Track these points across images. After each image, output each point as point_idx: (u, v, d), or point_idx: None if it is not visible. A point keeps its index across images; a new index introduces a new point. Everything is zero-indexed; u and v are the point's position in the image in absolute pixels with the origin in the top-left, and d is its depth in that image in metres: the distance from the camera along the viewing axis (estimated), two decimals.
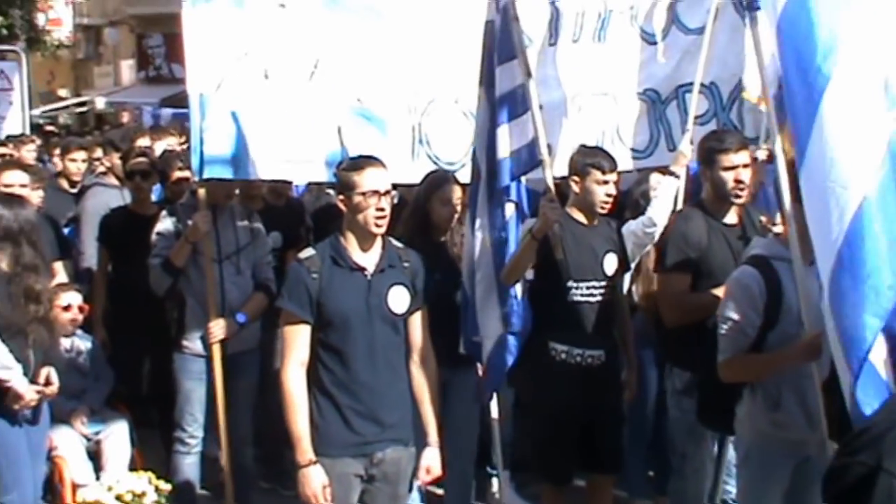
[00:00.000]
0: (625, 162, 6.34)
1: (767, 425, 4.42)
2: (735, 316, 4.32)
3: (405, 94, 6.20)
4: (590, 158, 5.45)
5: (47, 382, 5.23)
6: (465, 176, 5.84)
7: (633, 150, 6.37)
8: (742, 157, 5.26)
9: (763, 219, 5.60)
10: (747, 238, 5.13)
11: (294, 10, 5.94)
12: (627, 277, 6.02)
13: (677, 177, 5.93)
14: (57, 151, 10.87)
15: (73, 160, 9.12)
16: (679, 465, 5.53)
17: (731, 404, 4.56)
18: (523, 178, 5.66)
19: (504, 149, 5.36)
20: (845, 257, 3.48)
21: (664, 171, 6.08)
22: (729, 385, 4.48)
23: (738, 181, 5.21)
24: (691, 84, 6.18)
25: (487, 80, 5.42)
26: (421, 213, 5.73)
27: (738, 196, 5.26)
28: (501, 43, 5.35)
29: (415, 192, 5.89)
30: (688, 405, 5.19)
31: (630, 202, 6.35)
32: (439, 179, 5.81)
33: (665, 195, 5.82)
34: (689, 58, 6.18)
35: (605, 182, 5.38)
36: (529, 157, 5.37)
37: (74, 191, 8.80)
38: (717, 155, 5.24)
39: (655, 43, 6.35)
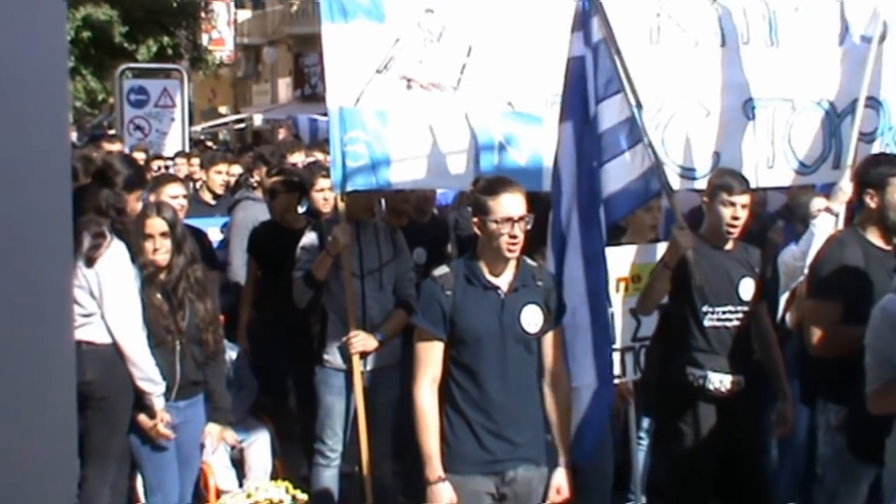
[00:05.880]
0: (786, 177, 6.16)
1: None
2: (881, 345, 4.18)
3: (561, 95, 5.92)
4: (718, 179, 5.34)
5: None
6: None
7: (801, 163, 6.14)
8: None
9: None
10: None
11: (441, 15, 5.87)
12: (782, 304, 5.88)
13: (835, 214, 5.72)
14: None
15: (219, 172, 9.41)
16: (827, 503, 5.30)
17: (884, 437, 4.38)
18: None
19: (615, 183, 5.14)
20: None
21: (827, 198, 5.90)
22: (883, 418, 4.31)
23: None
24: (873, 98, 5.94)
25: (574, 115, 5.13)
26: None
27: None
28: (600, 79, 5.12)
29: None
30: (842, 442, 4.98)
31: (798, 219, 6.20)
32: None
33: (821, 231, 5.66)
34: (866, 69, 5.93)
35: (732, 204, 5.24)
36: (646, 189, 5.18)
37: (214, 203, 9.11)
38: (891, 178, 4.96)
39: (830, 49, 6.11)
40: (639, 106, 5.18)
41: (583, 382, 5.07)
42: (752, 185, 6.14)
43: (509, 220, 4.26)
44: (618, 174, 5.16)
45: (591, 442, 5.03)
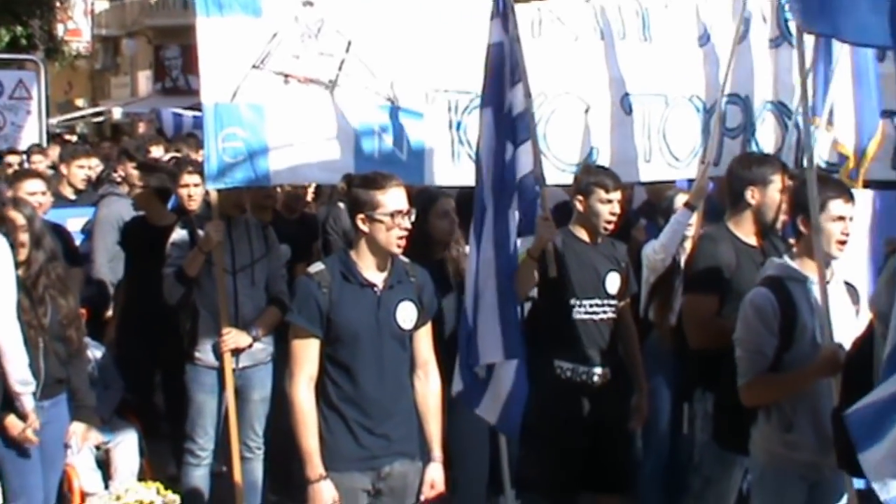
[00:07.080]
0: (661, 171, 6.31)
1: (780, 446, 4.40)
2: (751, 338, 4.32)
3: (442, 91, 5.92)
4: (593, 177, 5.45)
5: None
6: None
7: (675, 157, 6.30)
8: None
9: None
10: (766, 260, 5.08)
11: (319, 9, 5.79)
12: (643, 297, 6.03)
13: (694, 209, 5.90)
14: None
15: (81, 167, 9.17)
16: (701, 488, 5.34)
17: (749, 426, 4.53)
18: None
19: (525, 167, 5.18)
20: None
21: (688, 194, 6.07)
22: (746, 409, 4.46)
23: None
24: (736, 95, 6.09)
25: (495, 101, 5.18)
26: (419, 230, 5.24)
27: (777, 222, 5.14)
28: (512, 65, 5.17)
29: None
30: None
31: (661, 213, 6.37)
32: (432, 193, 5.75)
33: (679, 225, 5.82)
34: (727, 66, 6.10)
35: (609, 201, 5.37)
36: (535, 181, 5.21)
37: (74, 198, 8.91)
38: (772, 176, 5.10)
39: (698, 46, 6.27)
40: (528, 96, 5.22)
41: (489, 359, 5.12)
42: (633, 178, 6.31)
43: (400, 212, 4.27)
44: (526, 158, 5.19)
45: (515, 416, 5.10)
